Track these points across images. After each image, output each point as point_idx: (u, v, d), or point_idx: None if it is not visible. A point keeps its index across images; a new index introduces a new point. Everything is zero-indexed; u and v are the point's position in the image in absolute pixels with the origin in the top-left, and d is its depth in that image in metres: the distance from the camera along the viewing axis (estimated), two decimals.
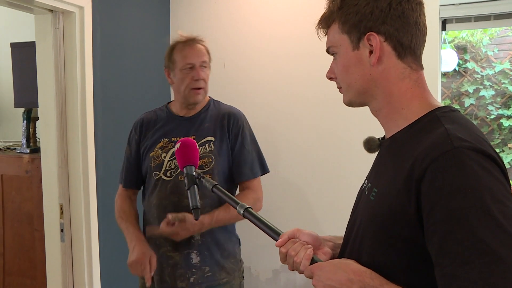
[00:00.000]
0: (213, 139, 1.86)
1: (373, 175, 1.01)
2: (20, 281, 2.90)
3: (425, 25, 0.93)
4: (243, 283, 1.99)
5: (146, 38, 2.81)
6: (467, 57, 3.79)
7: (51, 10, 2.26)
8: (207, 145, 1.86)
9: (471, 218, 0.72)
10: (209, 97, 1.98)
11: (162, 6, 3.09)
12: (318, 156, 2.77)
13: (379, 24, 0.89)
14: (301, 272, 0.97)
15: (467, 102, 3.79)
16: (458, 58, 3.72)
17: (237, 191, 2.00)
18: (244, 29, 2.93)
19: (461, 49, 3.77)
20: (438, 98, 2.54)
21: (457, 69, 3.77)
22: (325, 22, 0.99)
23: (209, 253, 1.85)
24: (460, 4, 2.43)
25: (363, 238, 0.92)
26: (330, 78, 1.04)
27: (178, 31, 1.88)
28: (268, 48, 2.88)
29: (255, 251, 2.76)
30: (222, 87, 2.98)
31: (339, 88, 1.03)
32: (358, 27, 0.91)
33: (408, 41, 0.90)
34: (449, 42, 3.66)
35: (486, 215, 0.72)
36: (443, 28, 2.59)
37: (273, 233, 1.07)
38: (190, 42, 1.85)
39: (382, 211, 0.87)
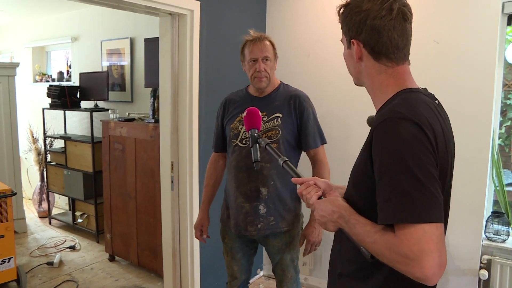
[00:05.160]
0: (280, 115, 1.99)
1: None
2: (146, 218, 3.41)
3: (400, 35, 1.01)
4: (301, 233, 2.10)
5: (243, 33, 2.99)
6: None
7: (170, 14, 2.59)
8: (275, 120, 1.99)
9: (393, 169, 0.88)
10: (280, 81, 2.10)
11: (259, 8, 3.28)
12: None
13: (358, 34, 1.04)
14: (310, 206, 1.17)
15: None
16: None
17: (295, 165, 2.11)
18: (327, 24, 3.06)
19: None
20: (495, 86, 2.45)
21: None
22: (339, 20, 1.14)
23: (273, 206, 1.98)
24: None
25: (349, 185, 1.11)
26: None
27: (249, 30, 2.03)
28: None
29: None
30: (307, 74, 3.17)
31: None
32: (347, 33, 1.08)
33: (379, 48, 1.03)
34: None
35: (403, 166, 0.86)
36: (509, 23, 2.48)
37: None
38: (256, 40, 1.96)
39: (357, 166, 1.06)
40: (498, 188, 2.59)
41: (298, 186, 1.30)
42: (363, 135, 3.17)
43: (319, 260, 3.28)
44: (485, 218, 2.60)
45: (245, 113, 1.64)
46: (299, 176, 1.29)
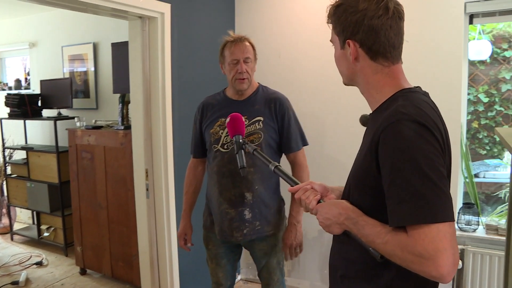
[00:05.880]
0: (262, 118, 1.94)
1: (361, 143, 1.15)
2: (119, 228, 3.28)
3: (396, 34, 1.02)
4: None
5: (214, 35, 2.93)
6: (505, 46, 3.65)
7: (140, 17, 2.50)
8: (257, 123, 1.93)
9: (405, 170, 0.86)
10: (258, 83, 2.06)
11: (228, 10, 3.25)
12: (358, 131, 2.86)
13: (354, 34, 1.02)
14: (310, 211, 1.14)
15: (504, 87, 3.65)
16: (497, 48, 3.59)
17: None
18: (296, 25, 3.06)
19: (500, 39, 3.64)
20: (463, 82, 2.55)
21: (490, 58, 3.66)
22: (329, 20, 1.12)
23: (258, 210, 1.94)
24: (485, 0, 2.41)
25: (350, 187, 1.09)
26: None
27: (230, 31, 1.98)
28: (316, 40, 2.98)
29: (304, 213, 2.91)
30: (277, 74, 3.16)
31: None
32: (342, 33, 1.06)
33: (376, 48, 1.01)
34: (486, 33, 3.56)
35: (415, 168, 0.86)
36: (471, 22, 2.58)
37: (294, 184, 1.23)
38: (237, 41, 1.91)
39: (359, 168, 1.04)
40: (467, 180, 2.67)
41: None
42: (336, 135, 3.18)
43: (297, 260, 3.27)
44: (457, 210, 2.68)
45: (228, 119, 1.59)
46: (292, 180, 1.27)
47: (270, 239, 2.01)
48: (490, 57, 3.56)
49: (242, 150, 1.51)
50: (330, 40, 1.14)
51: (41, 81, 4.19)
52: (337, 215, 1.04)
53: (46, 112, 4.22)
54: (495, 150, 3.64)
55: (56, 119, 3.84)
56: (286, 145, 2.01)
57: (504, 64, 3.64)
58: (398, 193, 0.88)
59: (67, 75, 4.23)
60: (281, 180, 2.07)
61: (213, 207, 2.03)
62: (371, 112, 1.18)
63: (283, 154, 2.08)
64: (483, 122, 3.69)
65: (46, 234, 4.18)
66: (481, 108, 3.70)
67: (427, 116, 0.93)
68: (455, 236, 0.85)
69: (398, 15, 1.01)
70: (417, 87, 1.07)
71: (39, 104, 4.15)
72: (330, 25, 1.12)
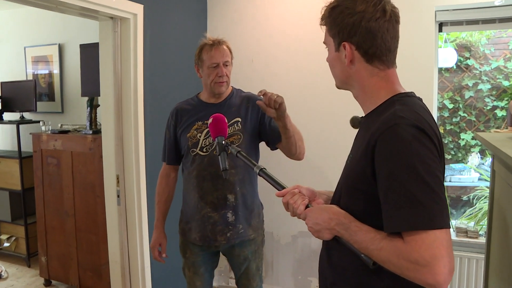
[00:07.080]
0: (240, 119, 1.92)
1: (353, 146, 1.13)
2: (87, 236, 3.12)
3: (393, 37, 1.01)
4: (264, 240, 2.09)
5: (187, 39, 2.91)
6: (467, 55, 3.79)
7: (112, 17, 2.40)
8: (235, 125, 1.91)
9: (403, 175, 0.84)
10: (232, 86, 2.04)
11: (201, 12, 3.19)
12: (330, 136, 2.87)
13: (351, 36, 1.00)
14: (298, 216, 1.10)
15: (467, 94, 3.79)
16: (460, 56, 3.72)
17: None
18: (269, 30, 3.03)
19: (463, 48, 3.77)
20: (434, 89, 2.60)
21: (455, 65, 3.79)
22: (322, 22, 1.09)
23: (241, 213, 1.91)
24: (453, 10, 2.48)
25: (341, 192, 1.06)
26: None
27: (206, 34, 1.95)
28: (288, 46, 2.97)
29: (277, 219, 2.89)
30: (250, 79, 3.11)
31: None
32: (337, 36, 1.03)
33: (373, 51, 0.99)
34: (451, 42, 3.68)
35: (413, 173, 0.84)
36: (440, 30, 2.64)
37: (281, 188, 1.19)
38: (216, 44, 1.88)
39: (352, 172, 1.01)
40: None
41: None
42: (308, 139, 3.15)
43: (270, 267, 3.23)
44: None
45: (210, 120, 1.54)
46: (278, 183, 1.22)
47: (250, 244, 1.97)
48: (455, 64, 3.70)
49: (225, 152, 1.45)
50: (324, 42, 1.11)
51: (2, 83, 3.95)
52: (328, 220, 1.01)
53: (7, 116, 3.98)
54: (460, 154, 3.76)
55: (19, 122, 3.63)
56: (272, 138, 1.94)
57: (467, 72, 3.78)
58: (395, 198, 0.85)
59: (30, 77, 4.02)
60: (259, 184, 2.04)
61: (193, 213, 1.96)
62: (356, 115, 1.17)
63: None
64: (448, 127, 3.81)
65: (6, 244, 3.93)
66: (446, 114, 3.82)
67: (425, 121, 0.91)
68: (451, 243, 0.84)
69: (395, 18, 1.00)
70: (411, 92, 1.05)
71: (0, 107, 3.92)
72: (323, 27, 1.09)
